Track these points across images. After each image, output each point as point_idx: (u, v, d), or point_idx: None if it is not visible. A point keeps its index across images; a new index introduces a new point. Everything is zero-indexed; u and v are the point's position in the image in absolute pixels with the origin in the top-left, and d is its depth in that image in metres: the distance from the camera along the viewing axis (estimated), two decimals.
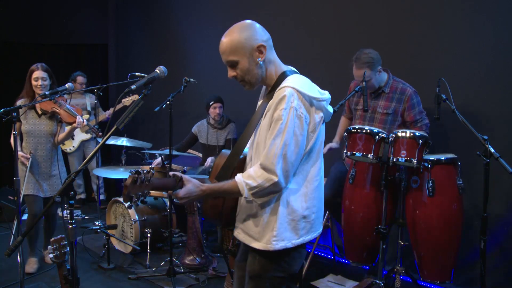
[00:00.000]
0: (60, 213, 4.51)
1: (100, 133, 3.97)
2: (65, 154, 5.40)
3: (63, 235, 2.04)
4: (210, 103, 4.32)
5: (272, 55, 1.77)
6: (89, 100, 5.35)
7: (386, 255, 3.14)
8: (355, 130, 2.82)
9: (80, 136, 5.36)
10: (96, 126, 4.00)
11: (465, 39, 3.24)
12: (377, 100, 3.17)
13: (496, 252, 3.09)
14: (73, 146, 5.35)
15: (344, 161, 3.36)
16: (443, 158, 2.76)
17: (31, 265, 3.58)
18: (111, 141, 4.27)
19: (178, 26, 5.62)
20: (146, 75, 1.94)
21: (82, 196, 5.77)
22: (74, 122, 3.49)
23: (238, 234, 1.85)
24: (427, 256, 2.79)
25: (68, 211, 2.02)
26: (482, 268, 2.49)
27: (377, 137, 2.74)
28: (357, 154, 2.77)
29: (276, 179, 1.62)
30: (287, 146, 1.61)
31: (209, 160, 4.30)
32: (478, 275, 2.59)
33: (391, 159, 2.72)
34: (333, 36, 4.01)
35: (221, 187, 1.69)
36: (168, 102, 3.37)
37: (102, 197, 5.45)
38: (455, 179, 2.76)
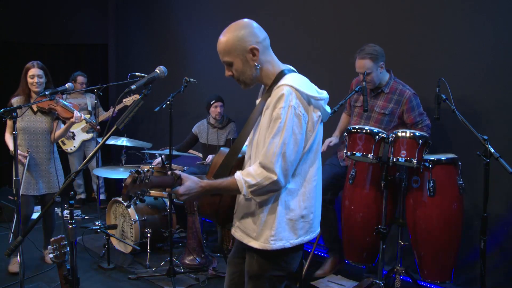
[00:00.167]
0: (60, 213, 4.52)
1: (98, 127, 3.96)
2: (65, 154, 5.41)
3: (63, 235, 2.04)
4: (211, 102, 4.32)
5: (269, 54, 1.76)
6: (90, 100, 5.35)
7: (386, 255, 3.14)
8: (355, 130, 2.82)
9: (81, 136, 5.36)
10: (91, 118, 3.98)
11: (465, 39, 3.24)
12: (376, 99, 3.18)
13: (496, 252, 3.09)
14: (74, 146, 5.35)
15: (337, 156, 3.37)
16: (443, 158, 2.77)
17: (16, 264, 3.50)
18: (111, 141, 4.27)
19: (178, 26, 5.62)
20: (146, 75, 1.94)
21: (82, 196, 5.77)
22: (72, 117, 3.49)
23: (235, 232, 1.86)
24: (427, 256, 2.79)
25: (68, 211, 2.02)
26: (482, 268, 2.49)
27: (377, 137, 2.74)
28: (357, 154, 2.77)
29: (275, 177, 1.62)
30: (286, 144, 1.62)
31: (210, 157, 4.30)
32: (478, 275, 2.60)
33: (391, 159, 2.72)
34: (333, 36, 4.01)
35: (220, 184, 1.68)
36: (168, 102, 3.37)
37: (102, 197, 5.46)
38: (456, 179, 2.76)
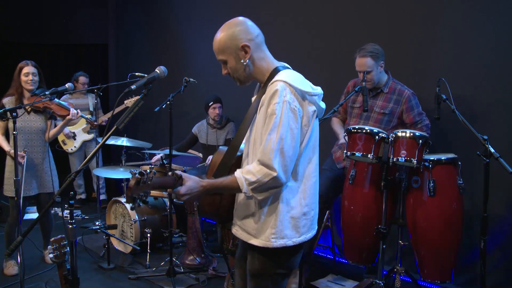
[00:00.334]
0: (60, 213, 4.51)
1: (95, 123, 3.94)
2: (66, 154, 5.42)
3: (63, 235, 2.04)
4: (210, 104, 4.32)
5: (263, 52, 1.77)
6: (91, 101, 5.35)
7: (386, 255, 3.14)
8: (355, 130, 2.82)
9: (82, 136, 5.36)
10: (92, 118, 3.97)
11: (465, 39, 3.24)
12: (375, 99, 3.18)
13: (496, 252, 3.09)
14: (75, 146, 5.35)
15: (332, 158, 3.37)
16: (443, 158, 2.76)
17: (11, 268, 3.52)
18: (111, 141, 4.27)
19: (178, 26, 5.62)
20: (146, 75, 1.94)
21: (82, 196, 5.77)
22: (68, 114, 3.47)
23: (236, 231, 1.86)
24: (427, 256, 2.79)
25: (68, 211, 2.02)
26: (482, 268, 2.49)
27: (377, 137, 2.74)
28: (357, 154, 2.77)
29: (275, 173, 1.61)
30: (283, 140, 1.61)
31: (210, 157, 4.29)
32: (478, 275, 2.60)
33: (391, 159, 2.72)
34: (333, 36, 4.01)
35: (221, 182, 1.68)
36: (168, 102, 3.37)
37: (103, 197, 5.46)
38: (456, 179, 2.76)
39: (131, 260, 3.86)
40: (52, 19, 6.48)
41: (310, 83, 1.77)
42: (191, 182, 1.65)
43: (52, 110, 3.49)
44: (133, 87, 1.80)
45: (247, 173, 1.65)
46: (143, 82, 1.84)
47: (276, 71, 1.74)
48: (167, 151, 3.67)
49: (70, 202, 2.09)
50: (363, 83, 2.89)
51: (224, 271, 3.50)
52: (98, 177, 4.77)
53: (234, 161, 1.79)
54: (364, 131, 2.78)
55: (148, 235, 3.82)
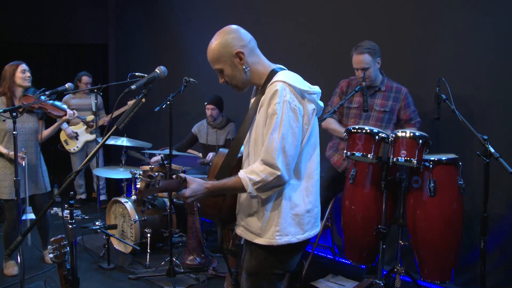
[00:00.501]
0: (60, 213, 4.51)
1: (91, 123, 3.93)
2: (68, 154, 5.42)
3: (63, 235, 2.04)
4: (205, 104, 4.32)
5: (257, 55, 1.79)
6: (94, 101, 5.35)
7: (386, 255, 3.14)
8: (355, 130, 2.82)
9: (85, 136, 5.37)
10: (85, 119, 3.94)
11: (465, 39, 3.24)
12: (373, 98, 3.18)
13: (496, 252, 3.09)
14: (77, 147, 5.35)
15: (330, 162, 3.37)
16: (444, 158, 2.76)
17: (10, 269, 3.52)
18: (111, 141, 4.27)
19: (178, 26, 5.62)
20: (146, 75, 1.95)
21: (83, 196, 5.77)
22: (65, 114, 3.46)
23: (241, 232, 1.86)
24: (427, 256, 2.78)
25: (68, 211, 2.02)
26: (482, 268, 2.49)
27: (377, 137, 2.74)
28: (357, 154, 2.77)
29: (279, 172, 1.64)
30: (285, 139, 1.64)
31: (211, 154, 4.28)
32: (478, 275, 2.60)
33: (391, 159, 2.72)
34: (333, 36, 4.00)
35: (225, 184, 1.70)
36: (168, 102, 3.37)
37: (103, 197, 5.46)
38: (456, 179, 2.75)
39: (131, 260, 3.86)
40: (52, 19, 6.48)
41: (308, 83, 1.79)
42: (196, 184, 1.67)
43: (47, 110, 3.48)
44: (133, 87, 1.81)
45: (251, 173, 1.67)
46: (143, 82, 1.85)
47: (273, 72, 1.77)
48: (167, 151, 3.67)
49: (70, 202, 2.09)
50: (363, 83, 2.89)
51: (224, 271, 3.50)
52: (98, 177, 4.77)
53: (235, 163, 1.81)
54: (364, 131, 2.78)
55: (148, 235, 3.82)
